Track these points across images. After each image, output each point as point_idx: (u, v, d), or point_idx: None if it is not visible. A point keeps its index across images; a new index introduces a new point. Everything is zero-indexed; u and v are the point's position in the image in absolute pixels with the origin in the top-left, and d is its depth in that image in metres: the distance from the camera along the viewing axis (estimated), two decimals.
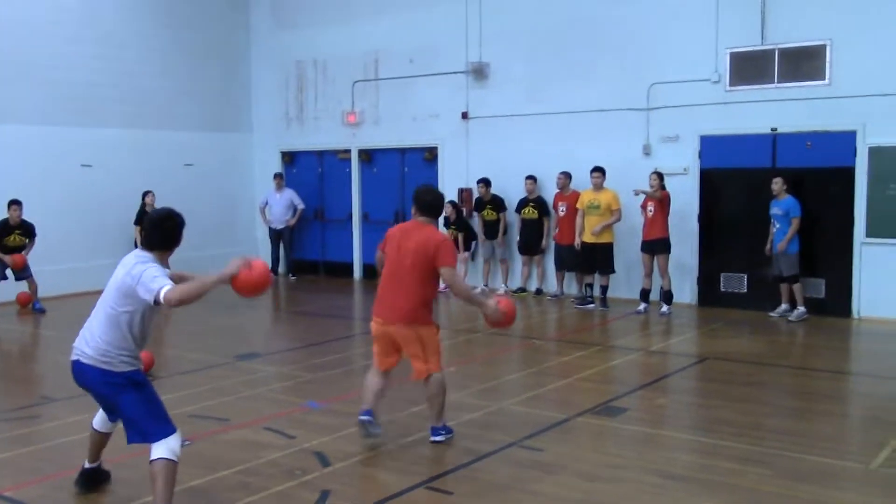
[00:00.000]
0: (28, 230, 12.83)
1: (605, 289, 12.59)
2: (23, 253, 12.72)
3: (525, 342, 10.45)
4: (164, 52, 15.68)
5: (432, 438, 6.38)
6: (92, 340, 4.98)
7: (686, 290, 12.68)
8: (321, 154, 16.81)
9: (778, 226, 11.38)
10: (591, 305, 12.65)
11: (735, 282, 12.44)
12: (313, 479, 5.69)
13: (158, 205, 15.17)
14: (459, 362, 9.10)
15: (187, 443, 6.37)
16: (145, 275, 4.76)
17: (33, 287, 12.86)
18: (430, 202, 6.40)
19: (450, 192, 14.91)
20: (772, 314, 11.62)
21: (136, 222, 14.23)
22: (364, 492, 5.56)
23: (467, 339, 10.57)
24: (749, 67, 12.06)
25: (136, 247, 5.18)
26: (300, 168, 17.13)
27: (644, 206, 12.16)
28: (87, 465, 5.52)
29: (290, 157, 17.25)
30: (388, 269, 6.35)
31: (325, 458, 6.07)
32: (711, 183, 12.50)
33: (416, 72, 15.13)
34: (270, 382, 8.48)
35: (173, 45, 15.81)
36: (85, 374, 5.03)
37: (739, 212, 12.34)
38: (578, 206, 12.69)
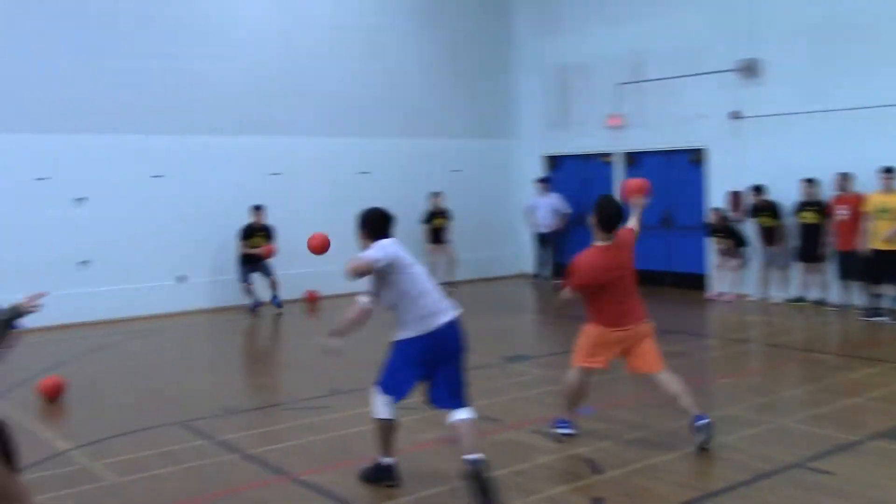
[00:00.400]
0: (269, 233, 13.67)
1: None
2: (272, 247, 13.52)
3: (805, 355, 9.79)
4: (434, 65, 16.46)
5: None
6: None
7: None
8: (585, 158, 16.79)
9: None
10: (883, 318, 11.62)
11: None
12: (585, 486, 5.69)
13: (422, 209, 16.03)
14: (734, 375, 8.71)
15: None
16: None
17: (274, 283, 13.66)
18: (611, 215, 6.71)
19: (717, 196, 14.34)
20: None
21: (425, 221, 15.44)
22: (639, 502, 5.47)
23: (740, 351, 10.10)
24: None
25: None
26: (564, 172, 17.21)
27: None
28: (386, 460, 5.73)
29: (553, 162, 17.39)
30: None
31: (597, 466, 6.05)
32: None
33: (681, 72, 14.68)
34: (540, 385, 8.57)
35: (442, 58, 16.56)
36: (459, 332, 5.67)
37: None
38: (866, 209, 11.70)
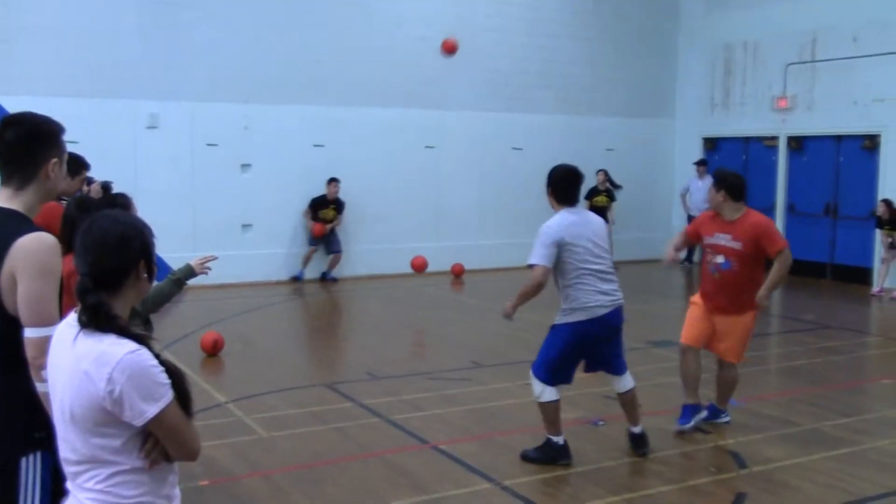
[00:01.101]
0: (340, 206, 13.68)
1: None
2: (327, 226, 13.50)
3: None
4: (595, 40, 16.16)
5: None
6: (617, 282, 5.69)
7: None
8: (746, 141, 16.13)
9: None
10: None
11: None
12: (728, 479, 5.53)
13: (584, 190, 15.82)
14: (894, 376, 8.22)
15: (602, 423, 6.58)
16: None
17: (336, 260, 13.71)
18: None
19: (891, 186, 13.47)
20: None
21: (586, 198, 14.98)
22: (784, 500, 5.26)
23: None
24: None
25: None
26: (722, 155, 16.60)
27: None
28: (557, 439, 5.69)
29: (712, 144, 16.81)
30: None
31: (741, 459, 5.86)
32: None
33: (859, 52, 13.82)
34: None
35: (604, 33, 16.23)
36: (622, 318, 5.70)
37: None
38: None
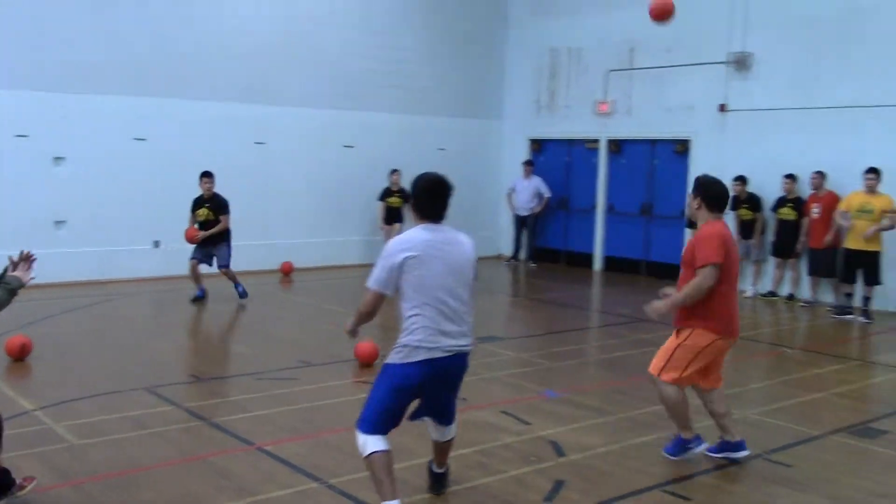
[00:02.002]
0: (219, 205, 11.63)
1: (867, 300, 11.61)
2: (199, 233, 11.57)
3: (773, 350, 9.88)
4: (428, 40, 16.38)
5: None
6: (469, 325, 4.73)
7: None
8: (570, 143, 16.78)
9: None
10: (851, 316, 11.73)
11: None
12: (548, 468, 5.72)
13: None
14: None
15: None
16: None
17: (230, 276, 11.87)
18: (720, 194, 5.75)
19: None
20: None
21: (380, 198, 15.02)
22: (598, 486, 5.50)
23: None
24: None
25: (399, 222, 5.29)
26: (548, 156, 17.21)
27: None
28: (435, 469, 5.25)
29: (538, 145, 17.38)
30: (731, 279, 5.69)
31: (560, 448, 6.09)
32: None
33: (673, 62, 14.69)
34: (509, 367, 8.62)
35: (433, 33, 16.46)
36: (463, 366, 4.80)
37: None
38: (845, 207, 11.76)
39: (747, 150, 13.68)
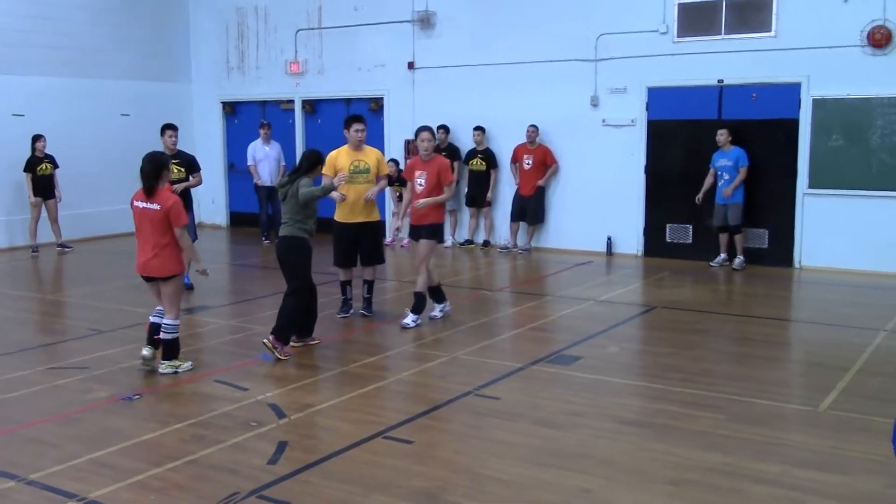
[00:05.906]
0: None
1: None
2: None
3: (474, 293, 10.44)
4: None
5: None
6: None
7: (633, 241, 12.82)
8: (264, 104, 16.43)
9: (727, 176, 11.56)
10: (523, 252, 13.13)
11: (680, 232, 12.59)
12: (269, 432, 5.61)
13: (93, 155, 14.78)
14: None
15: (137, 396, 6.26)
16: None
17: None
18: None
19: (396, 145, 14.75)
20: (712, 264, 11.84)
21: (26, 169, 13.42)
22: (322, 442, 5.49)
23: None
24: (697, 19, 12.07)
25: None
26: (242, 119, 16.73)
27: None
28: None
29: (231, 108, 16.84)
30: None
31: (280, 410, 5.99)
32: (658, 134, 12.57)
33: (360, 20, 14.83)
34: (221, 335, 8.33)
35: None
36: None
37: (686, 163, 12.41)
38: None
39: (436, 105, 14.16)
